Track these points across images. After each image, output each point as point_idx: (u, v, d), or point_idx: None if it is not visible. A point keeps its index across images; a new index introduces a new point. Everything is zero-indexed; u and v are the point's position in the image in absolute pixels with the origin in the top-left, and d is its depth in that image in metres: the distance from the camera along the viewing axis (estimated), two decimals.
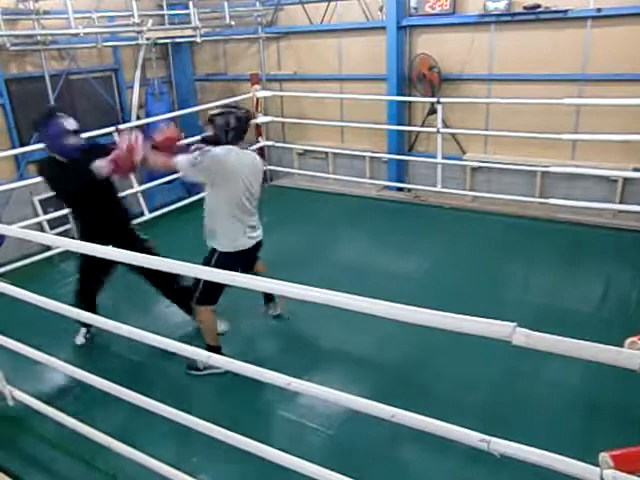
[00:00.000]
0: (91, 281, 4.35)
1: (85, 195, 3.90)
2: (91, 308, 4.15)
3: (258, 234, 4.02)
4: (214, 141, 3.84)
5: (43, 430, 3.46)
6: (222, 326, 4.30)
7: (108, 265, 4.03)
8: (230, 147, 3.78)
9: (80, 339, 4.52)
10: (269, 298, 4.60)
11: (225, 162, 3.71)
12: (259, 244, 4.08)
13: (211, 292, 3.83)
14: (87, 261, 4.15)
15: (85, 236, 4.04)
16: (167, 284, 4.40)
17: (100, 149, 4.02)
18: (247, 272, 3.71)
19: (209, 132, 3.86)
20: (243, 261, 3.97)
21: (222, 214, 3.85)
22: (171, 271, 2.33)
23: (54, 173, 3.90)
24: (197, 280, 3.79)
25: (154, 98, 8.35)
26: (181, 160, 3.75)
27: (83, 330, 4.52)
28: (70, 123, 3.85)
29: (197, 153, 3.71)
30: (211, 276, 2.52)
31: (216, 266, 3.68)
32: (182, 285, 4.34)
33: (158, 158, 3.84)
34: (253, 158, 3.97)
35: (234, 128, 3.79)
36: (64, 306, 2.85)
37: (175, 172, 3.97)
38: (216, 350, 3.86)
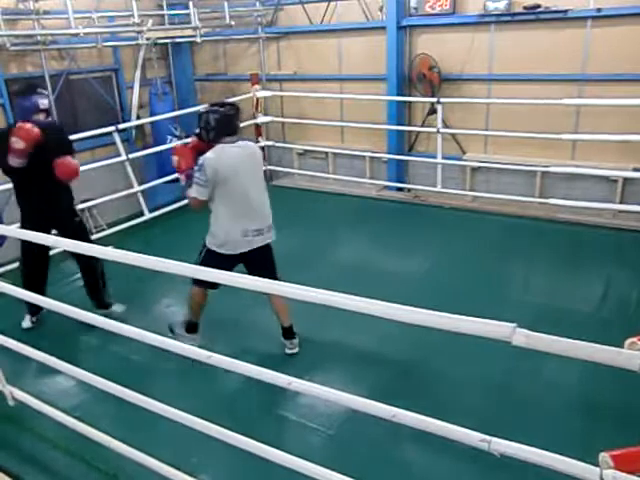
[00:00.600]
0: (33, 263, 4.59)
1: (33, 169, 4.17)
2: (39, 289, 4.40)
3: (262, 239, 3.96)
4: (201, 138, 3.92)
5: (43, 430, 3.46)
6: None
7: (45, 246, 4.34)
8: (220, 146, 3.79)
9: (27, 323, 4.73)
10: (287, 335, 4.29)
11: (218, 165, 3.72)
12: (262, 250, 4.01)
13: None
14: (27, 244, 4.30)
15: (26, 217, 4.42)
16: (92, 274, 4.74)
17: (63, 138, 4.42)
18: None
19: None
20: (234, 263, 3.89)
21: (222, 215, 3.87)
22: (167, 271, 2.33)
23: None
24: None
25: (157, 98, 8.35)
26: (192, 190, 3.84)
27: (28, 316, 4.74)
28: (44, 103, 4.23)
29: (197, 173, 3.77)
30: (206, 275, 2.50)
31: (203, 260, 3.83)
32: (101, 280, 4.78)
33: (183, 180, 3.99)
34: (249, 149, 3.95)
35: (214, 128, 3.80)
36: (64, 305, 2.85)
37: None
38: (193, 326, 4.24)
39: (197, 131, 3.96)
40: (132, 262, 2.41)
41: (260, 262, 4.02)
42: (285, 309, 4.20)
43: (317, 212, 7.53)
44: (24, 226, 4.38)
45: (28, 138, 4.01)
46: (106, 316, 4.62)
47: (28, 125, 4.05)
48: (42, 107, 4.20)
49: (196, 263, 3.64)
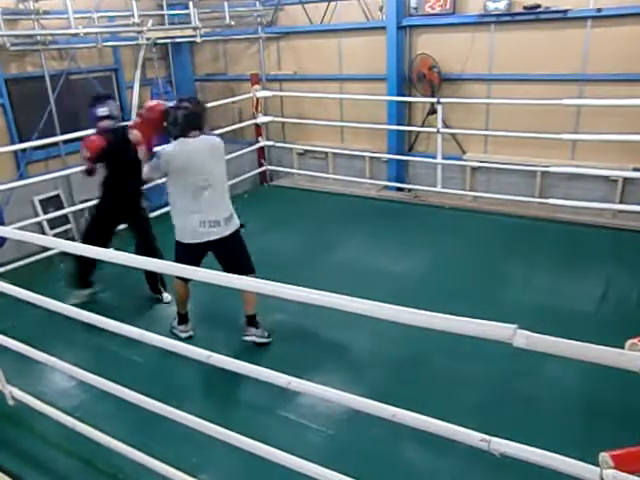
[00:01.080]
0: (98, 233, 4.94)
1: (113, 163, 4.75)
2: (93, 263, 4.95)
3: (220, 230, 4.05)
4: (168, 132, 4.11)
5: (43, 430, 3.46)
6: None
7: (116, 219, 5.00)
8: (181, 139, 3.97)
9: (74, 300, 4.83)
10: (249, 323, 4.33)
11: (173, 155, 3.94)
12: (227, 242, 4.11)
13: None
14: (100, 213, 5.02)
15: (105, 205, 4.96)
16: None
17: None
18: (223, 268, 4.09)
19: None
20: (200, 253, 4.10)
21: (178, 206, 4.08)
22: (161, 271, 2.35)
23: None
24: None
25: (159, 98, 8.35)
26: (145, 167, 4.16)
27: (83, 292, 5.05)
28: (103, 110, 4.71)
29: (155, 158, 4.07)
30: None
31: (175, 253, 4.13)
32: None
33: (143, 153, 4.17)
34: (210, 142, 4.10)
35: (180, 123, 3.97)
36: (64, 305, 2.85)
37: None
38: (182, 317, 4.44)
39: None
40: (125, 262, 2.43)
41: (228, 254, 4.19)
42: (252, 300, 4.26)
43: (317, 212, 7.52)
44: (100, 212, 5.00)
45: (91, 147, 4.62)
46: (158, 300, 5.09)
47: (94, 137, 4.67)
48: (100, 114, 4.69)
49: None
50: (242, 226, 4.26)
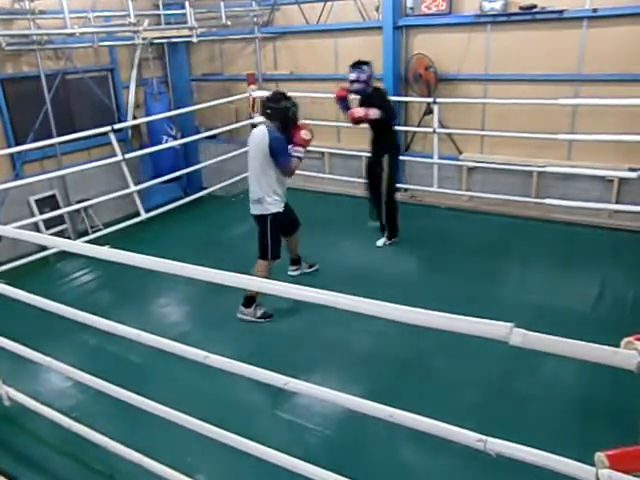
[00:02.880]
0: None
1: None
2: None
3: (251, 208, 4.67)
4: None
5: (39, 430, 3.45)
6: None
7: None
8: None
9: (382, 242, 6.13)
10: (244, 302, 4.66)
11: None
12: (255, 219, 4.69)
13: None
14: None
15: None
16: (377, 196, 6.15)
17: (372, 96, 5.89)
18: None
19: None
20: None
21: None
22: (167, 271, 2.34)
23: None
24: None
25: (153, 98, 8.34)
26: None
27: (384, 239, 6.15)
28: (352, 76, 5.81)
29: None
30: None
31: None
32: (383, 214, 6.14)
33: None
34: (259, 131, 4.62)
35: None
36: (60, 306, 2.84)
37: None
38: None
39: None
40: (135, 263, 2.42)
41: (257, 231, 4.76)
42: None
43: (313, 212, 7.48)
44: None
45: (335, 93, 6.10)
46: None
47: (340, 88, 6.06)
48: (350, 78, 5.80)
49: None
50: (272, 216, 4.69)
